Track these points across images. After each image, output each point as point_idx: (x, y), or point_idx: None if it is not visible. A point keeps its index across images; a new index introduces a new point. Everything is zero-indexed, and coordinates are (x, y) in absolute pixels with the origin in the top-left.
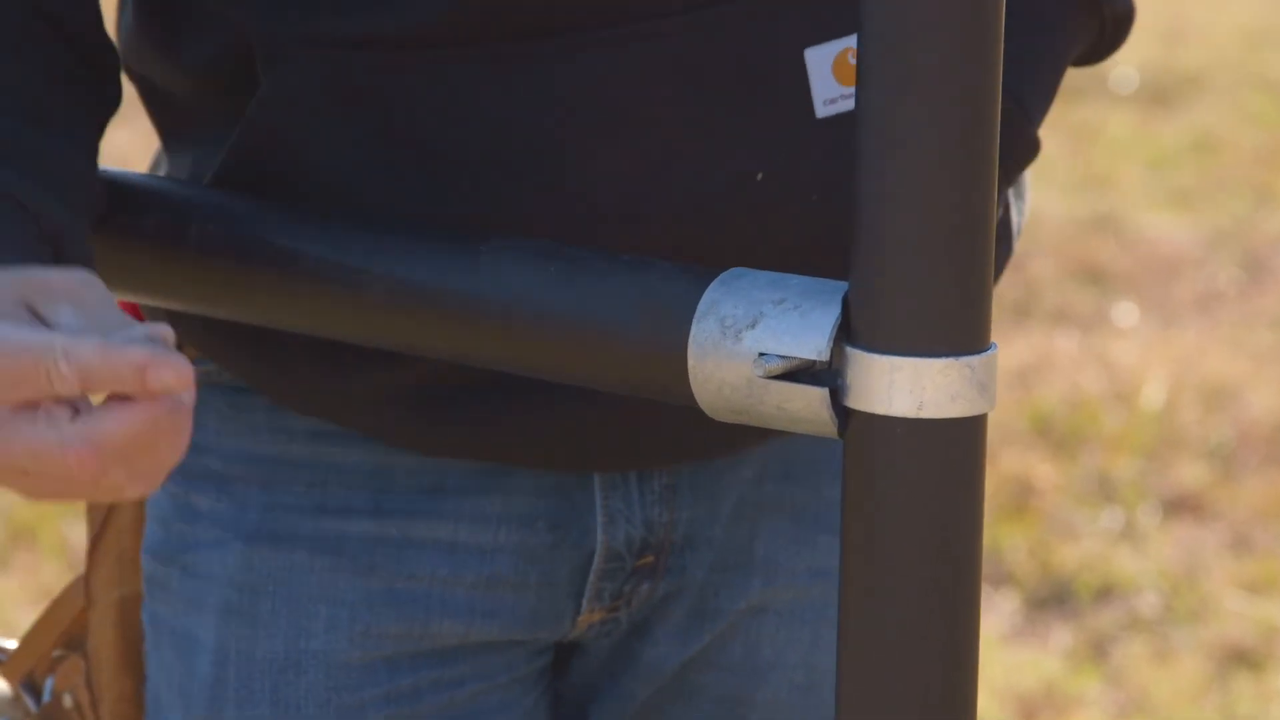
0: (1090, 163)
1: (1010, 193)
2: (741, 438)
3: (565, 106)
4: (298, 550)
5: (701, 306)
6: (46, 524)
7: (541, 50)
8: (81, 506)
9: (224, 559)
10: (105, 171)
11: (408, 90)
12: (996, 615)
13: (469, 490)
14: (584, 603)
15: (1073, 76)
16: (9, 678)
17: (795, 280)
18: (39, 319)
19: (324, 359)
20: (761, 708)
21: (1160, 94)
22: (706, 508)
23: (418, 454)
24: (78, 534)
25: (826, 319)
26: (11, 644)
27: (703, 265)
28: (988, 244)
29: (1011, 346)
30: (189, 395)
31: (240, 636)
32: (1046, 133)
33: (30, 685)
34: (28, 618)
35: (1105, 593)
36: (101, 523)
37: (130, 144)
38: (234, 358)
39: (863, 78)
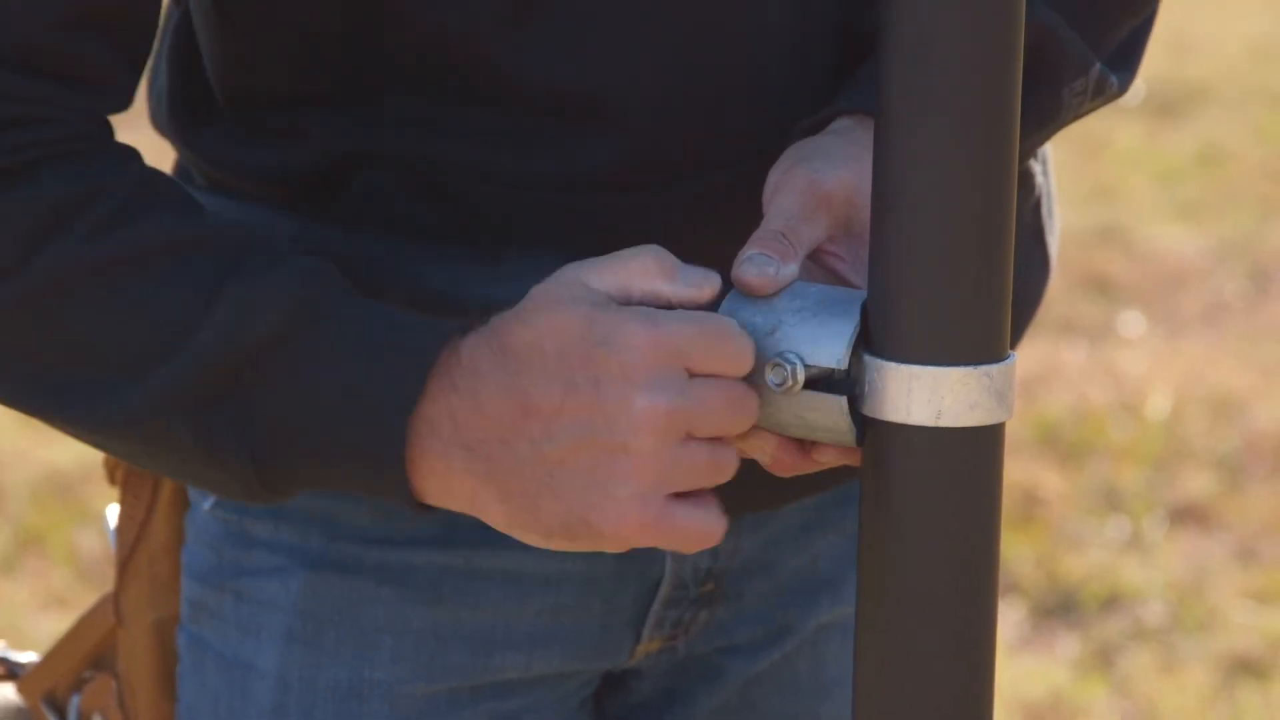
0: (1097, 174)
1: (1044, 220)
2: (805, 486)
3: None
4: (364, 580)
5: (720, 314)
6: (56, 530)
7: (637, 197)
8: (92, 513)
9: (286, 586)
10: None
11: (495, 205)
12: (1003, 625)
13: None
14: (645, 631)
15: None
16: (29, 694)
17: (814, 289)
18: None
19: None
20: None
21: (1167, 106)
22: (770, 534)
23: None
24: (87, 540)
25: (845, 327)
26: (26, 657)
27: None
28: (1007, 253)
29: (1018, 356)
30: None
31: (303, 664)
32: (1054, 143)
33: (52, 703)
34: (36, 624)
35: (1112, 602)
36: (132, 543)
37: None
38: None
39: (883, 89)
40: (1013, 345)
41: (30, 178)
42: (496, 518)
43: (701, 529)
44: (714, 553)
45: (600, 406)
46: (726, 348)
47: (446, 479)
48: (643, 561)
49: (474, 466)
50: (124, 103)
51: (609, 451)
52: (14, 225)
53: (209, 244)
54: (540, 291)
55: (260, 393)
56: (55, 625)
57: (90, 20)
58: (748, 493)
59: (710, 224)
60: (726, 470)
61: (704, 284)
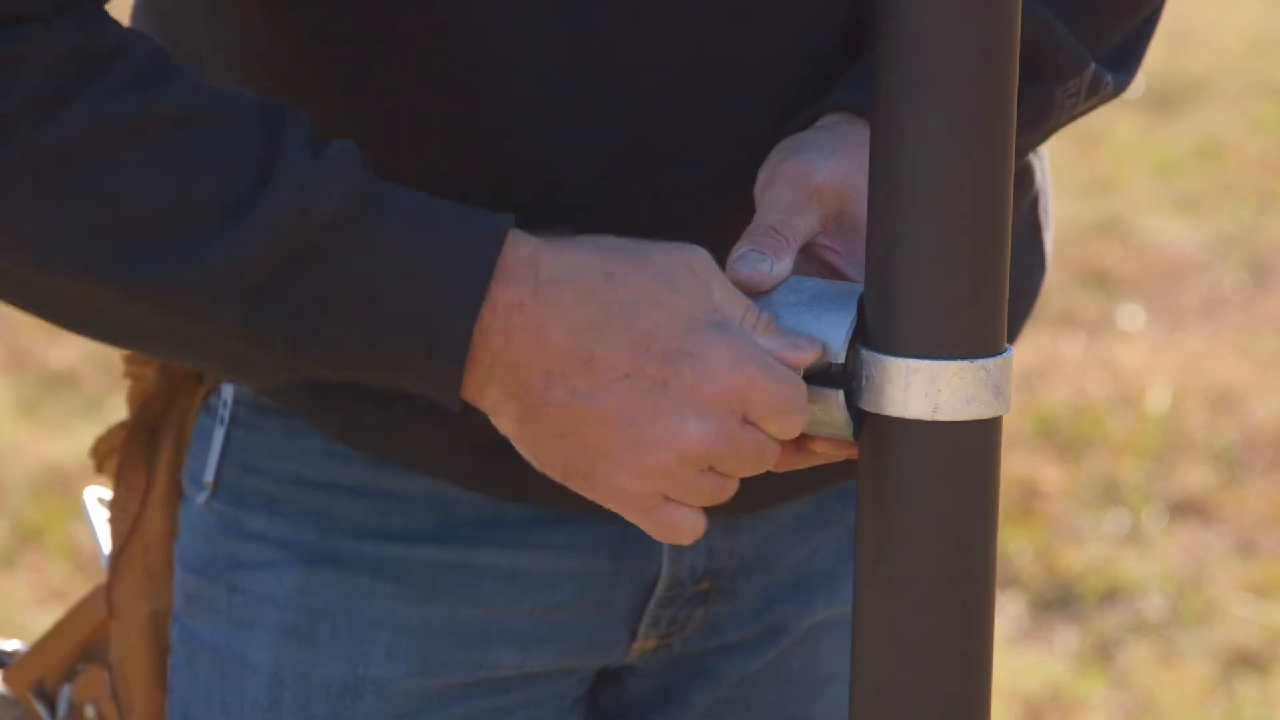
0: (1096, 167)
1: (1041, 217)
2: (802, 485)
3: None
4: (360, 574)
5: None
6: (54, 524)
7: (628, 203)
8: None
9: (280, 579)
10: None
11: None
12: (1002, 618)
13: (532, 519)
14: (640, 629)
15: None
16: (14, 684)
17: (811, 282)
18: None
19: (387, 409)
20: (818, 719)
21: (1165, 99)
22: (767, 531)
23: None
24: (85, 535)
25: (842, 321)
26: (12, 645)
27: None
28: (1003, 247)
29: (1017, 350)
30: None
31: (298, 659)
32: (1052, 137)
33: (42, 693)
34: (35, 618)
35: (1111, 596)
36: (126, 534)
37: None
38: (294, 396)
39: (880, 82)
40: (1010, 342)
41: (52, 23)
42: (508, 430)
43: (685, 527)
44: (710, 551)
45: (649, 407)
46: (788, 418)
47: (484, 385)
48: (639, 559)
49: (509, 383)
50: None
51: (633, 447)
52: (42, 68)
53: (250, 113)
54: (665, 254)
55: (321, 273)
56: (53, 619)
57: None
58: (746, 494)
59: (703, 225)
60: (723, 496)
61: (807, 349)
